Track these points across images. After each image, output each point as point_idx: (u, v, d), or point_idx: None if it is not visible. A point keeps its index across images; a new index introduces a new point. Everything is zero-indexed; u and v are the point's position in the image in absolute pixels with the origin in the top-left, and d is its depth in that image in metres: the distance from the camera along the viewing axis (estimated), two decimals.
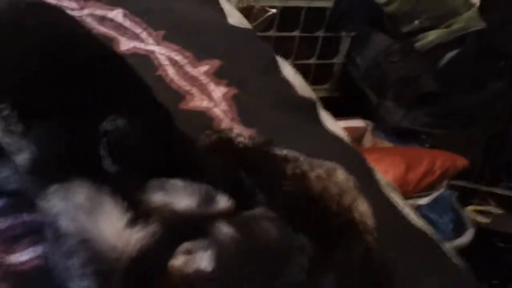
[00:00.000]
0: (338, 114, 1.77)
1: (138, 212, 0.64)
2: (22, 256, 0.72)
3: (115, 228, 0.60)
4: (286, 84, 1.20)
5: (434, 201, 1.56)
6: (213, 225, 0.64)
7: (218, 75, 1.13)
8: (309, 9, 1.89)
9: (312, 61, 2.05)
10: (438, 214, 1.53)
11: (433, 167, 1.56)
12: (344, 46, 2.05)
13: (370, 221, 0.69)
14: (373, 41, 1.95)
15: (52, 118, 0.73)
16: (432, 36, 1.99)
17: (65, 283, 0.63)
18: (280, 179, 0.72)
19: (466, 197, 1.71)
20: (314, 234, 0.63)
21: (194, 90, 1.09)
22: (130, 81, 0.83)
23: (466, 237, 1.56)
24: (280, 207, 0.66)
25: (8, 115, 0.72)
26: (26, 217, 0.76)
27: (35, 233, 0.74)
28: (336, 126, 1.17)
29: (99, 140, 0.73)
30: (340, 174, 0.73)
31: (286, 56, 1.82)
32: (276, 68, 1.23)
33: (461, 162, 1.62)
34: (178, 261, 0.63)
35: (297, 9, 1.90)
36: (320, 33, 1.98)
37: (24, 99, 0.74)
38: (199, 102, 1.06)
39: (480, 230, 1.67)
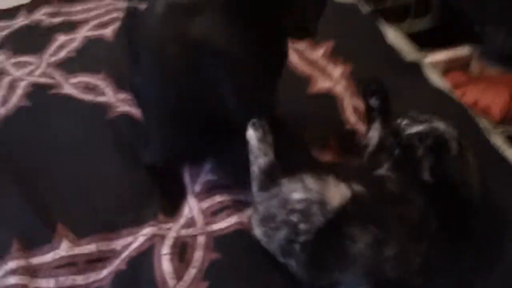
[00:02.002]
0: (443, 44, 1.89)
1: None
2: (222, 224, 1.03)
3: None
4: (392, 49, 1.39)
5: None
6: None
7: (334, 55, 1.34)
8: None
9: None
10: None
11: None
12: None
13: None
14: None
15: None
16: None
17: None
18: None
19: None
20: None
21: (315, 73, 1.32)
22: None
23: None
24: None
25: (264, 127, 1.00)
26: (219, 198, 1.06)
27: (229, 208, 1.04)
28: (441, 81, 1.34)
29: None
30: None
31: None
32: (381, 37, 1.42)
33: None
34: None
35: None
36: None
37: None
38: (322, 83, 1.29)
39: None
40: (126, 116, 1.23)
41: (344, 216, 0.88)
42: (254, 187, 0.98)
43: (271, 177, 0.96)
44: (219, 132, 1.07)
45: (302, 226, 0.88)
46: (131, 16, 1.09)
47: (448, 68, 1.82)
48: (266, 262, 0.95)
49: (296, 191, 0.91)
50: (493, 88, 1.69)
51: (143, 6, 1.02)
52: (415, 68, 1.34)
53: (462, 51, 2.06)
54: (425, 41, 1.80)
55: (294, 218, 0.89)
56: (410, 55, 1.38)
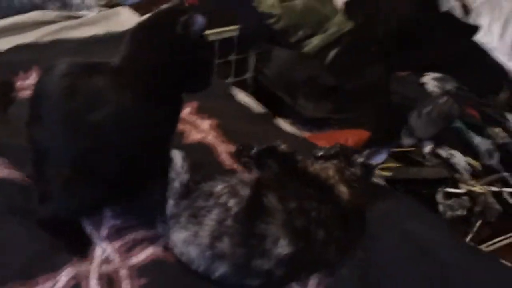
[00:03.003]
0: None
1: None
2: (140, 257, 1.08)
3: None
4: (243, 106, 1.63)
5: None
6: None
7: (200, 112, 1.52)
8: (221, 40, 2.29)
9: (230, 79, 2.45)
10: None
11: (347, 143, 2.05)
12: (252, 62, 2.48)
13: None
14: (274, 54, 2.41)
15: None
16: (315, 41, 2.50)
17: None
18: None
19: None
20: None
21: (188, 127, 1.47)
22: None
23: None
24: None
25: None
26: (130, 236, 1.12)
27: (142, 243, 1.10)
28: (288, 126, 1.62)
29: None
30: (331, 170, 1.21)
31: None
32: (232, 97, 1.66)
33: (365, 134, 2.14)
34: None
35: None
36: (232, 57, 2.40)
37: None
38: (194, 135, 1.45)
39: (387, 181, 2.14)
40: (5, 180, 1.22)
41: (260, 184, 1.10)
42: (173, 199, 1.09)
43: (188, 190, 1.10)
44: (122, 183, 1.11)
45: (232, 201, 1.05)
46: None
47: None
48: (193, 278, 1.04)
49: (217, 184, 1.10)
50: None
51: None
52: (266, 118, 1.59)
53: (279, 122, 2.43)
54: None
55: (223, 199, 1.06)
56: (258, 109, 1.64)
